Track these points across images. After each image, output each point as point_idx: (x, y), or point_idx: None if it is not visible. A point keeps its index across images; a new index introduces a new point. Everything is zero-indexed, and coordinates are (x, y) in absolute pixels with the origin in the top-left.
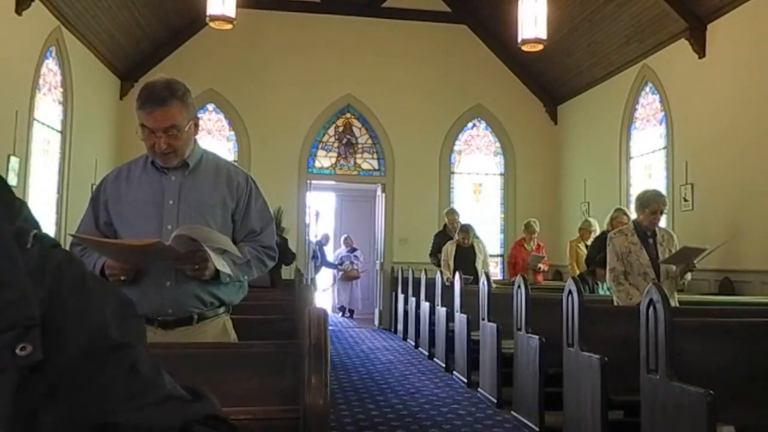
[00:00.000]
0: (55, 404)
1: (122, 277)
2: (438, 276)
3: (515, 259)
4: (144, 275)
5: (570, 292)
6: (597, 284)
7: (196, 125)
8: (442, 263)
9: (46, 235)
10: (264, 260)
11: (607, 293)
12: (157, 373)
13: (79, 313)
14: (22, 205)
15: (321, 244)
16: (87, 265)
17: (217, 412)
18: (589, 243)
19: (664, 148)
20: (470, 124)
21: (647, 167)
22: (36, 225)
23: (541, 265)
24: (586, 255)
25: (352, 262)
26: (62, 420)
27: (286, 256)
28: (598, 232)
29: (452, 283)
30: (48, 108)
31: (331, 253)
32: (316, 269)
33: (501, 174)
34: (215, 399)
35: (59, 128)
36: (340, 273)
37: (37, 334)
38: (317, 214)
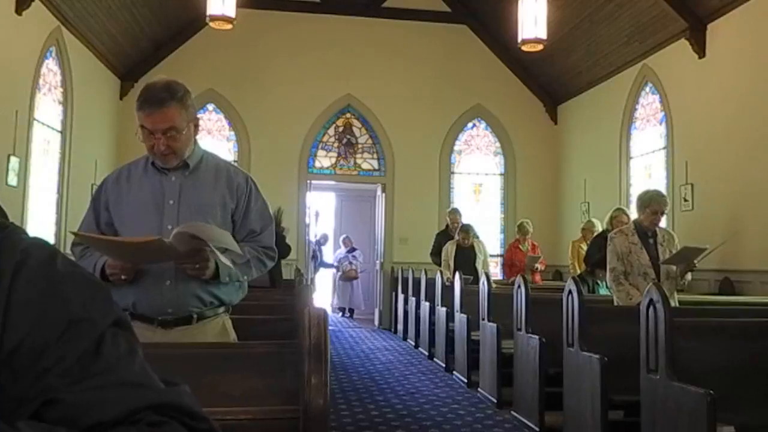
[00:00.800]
0: (6, 375)
1: (123, 276)
2: (438, 276)
3: (511, 261)
4: (144, 274)
5: (570, 292)
6: (597, 284)
7: (196, 126)
8: (443, 263)
9: (12, 224)
10: (263, 260)
11: (608, 293)
12: (122, 358)
13: (42, 290)
14: None
15: (319, 243)
16: (88, 266)
17: (179, 403)
18: (588, 244)
19: (664, 148)
20: (470, 124)
21: (647, 167)
22: (3, 215)
23: (538, 266)
24: (585, 254)
25: (350, 263)
26: (10, 390)
27: (282, 249)
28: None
29: (452, 283)
30: (48, 108)
31: (331, 254)
32: (315, 269)
33: (501, 174)
34: (190, 395)
35: (59, 128)
36: (339, 273)
37: None
38: (317, 214)
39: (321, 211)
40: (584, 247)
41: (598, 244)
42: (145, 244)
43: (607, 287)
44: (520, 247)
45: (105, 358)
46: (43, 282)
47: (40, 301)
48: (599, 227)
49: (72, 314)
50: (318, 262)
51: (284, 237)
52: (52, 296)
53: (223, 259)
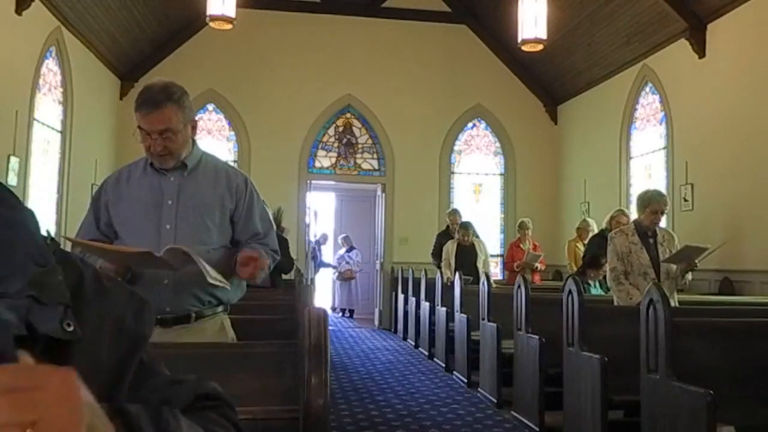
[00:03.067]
0: None
1: (118, 278)
2: (438, 276)
3: (513, 260)
4: (142, 274)
5: (570, 292)
6: (588, 284)
7: (194, 128)
8: (443, 262)
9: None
10: (269, 264)
11: (601, 293)
12: (156, 361)
13: (98, 303)
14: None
15: (319, 243)
16: None
17: (221, 392)
18: (587, 243)
19: (664, 148)
20: (470, 124)
21: (647, 167)
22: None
23: (538, 265)
24: (583, 254)
25: (347, 263)
26: None
27: (285, 263)
28: (596, 232)
29: (452, 283)
30: (48, 108)
31: (331, 254)
32: (315, 269)
33: (501, 174)
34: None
35: (59, 128)
36: (336, 273)
37: (72, 315)
38: (315, 214)
39: (320, 211)
40: (580, 246)
41: (597, 243)
42: (137, 255)
43: (598, 287)
44: (521, 246)
45: (147, 365)
46: (96, 295)
47: (96, 315)
48: (594, 226)
49: (128, 331)
50: (317, 262)
51: (287, 248)
52: (106, 309)
53: (213, 273)
